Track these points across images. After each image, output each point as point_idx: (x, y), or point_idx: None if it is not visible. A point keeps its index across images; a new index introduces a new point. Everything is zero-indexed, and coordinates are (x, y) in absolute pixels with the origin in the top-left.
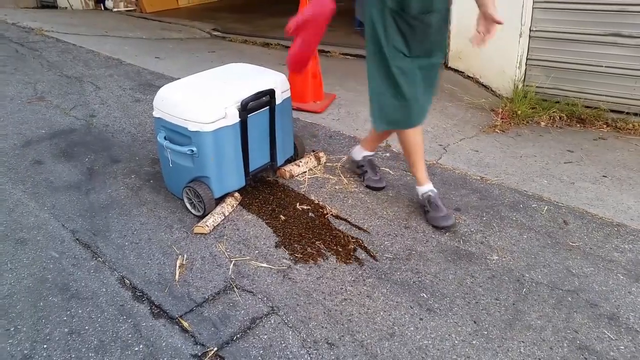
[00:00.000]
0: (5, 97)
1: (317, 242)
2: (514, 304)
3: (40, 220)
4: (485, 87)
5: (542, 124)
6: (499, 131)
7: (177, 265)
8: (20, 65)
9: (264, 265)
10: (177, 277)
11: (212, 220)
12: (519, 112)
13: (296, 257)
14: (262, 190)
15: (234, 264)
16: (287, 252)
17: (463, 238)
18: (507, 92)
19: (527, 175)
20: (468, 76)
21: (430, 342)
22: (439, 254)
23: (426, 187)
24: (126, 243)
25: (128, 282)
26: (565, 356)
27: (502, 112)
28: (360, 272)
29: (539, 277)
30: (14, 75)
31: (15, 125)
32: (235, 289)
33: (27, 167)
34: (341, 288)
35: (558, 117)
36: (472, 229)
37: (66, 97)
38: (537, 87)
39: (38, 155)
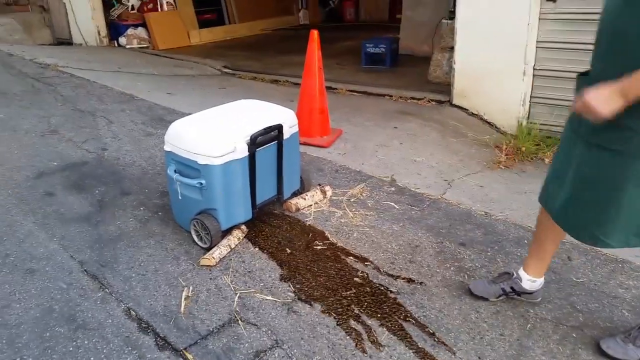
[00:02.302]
0: (21, 130)
1: (322, 276)
2: (518, 340)
3: (50, 251)
4: (490, 124)
5: (547, 160)
6: (503, 167)
7: (183, 297)
8: (35, 99)
9: (269, 298)
10: (182, 309)
11: (218, 252)
12: (523, 148)
13: (301, 290)
14: (269, 222)
15: (239, 297)
16: (292, 285)
17: (468, 273)
18: (512, 129)
19: (532, 211)
20: (472, 113)
21: None
22: (443, 288)
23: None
24: (133, 274)
25: (134, 313)
26: None
27: (506, 148)
28: (365, 306)
29: (544, 312)
30: (29, 110)
31: (29, 158)
32: (240, 321)
33: (38, 198)
34: (346, 322)
35: None
36: (476, 264)
37: (79, 130)
38: (541, 124)
39: (49, 187)
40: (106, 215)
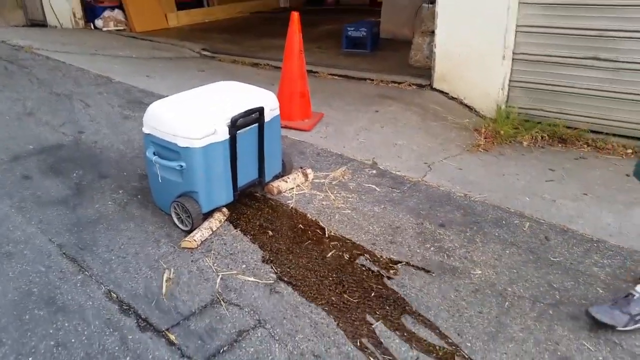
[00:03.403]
0: None
1: (304, 257)
2: (497, 317)
3: (27, 235)
4: (469, 107)
5: (525, 143)
6: (482, 150)
7: (164, 279)
8: (9, 82)
9: (251, 279)
10: (164, 290)
11: (199, 235)
12: (502, 132)
13: (283, 271)
14: (250, 205)
15: (221, 278)
16: (274, 267)
17: (447, 253)
18: (491, 113)
19: (510, 193)
20: (452, 97)
21: (414, 353)
22: (424, 268)
23: None
24: (113, 257)
25: (115, 295)
26: None
27: (485, 132)
28: (346, 286)
29: (521, 291)
30: (2, 92)
31: (4, 141)
32: (222, 302)
33: (14, 181)
34: (327, 302)
35: (540, 137)
36: (456, 244)
37: (55, 113)
38: (519, 108)
39: (26, 170)
40: (84, 198)
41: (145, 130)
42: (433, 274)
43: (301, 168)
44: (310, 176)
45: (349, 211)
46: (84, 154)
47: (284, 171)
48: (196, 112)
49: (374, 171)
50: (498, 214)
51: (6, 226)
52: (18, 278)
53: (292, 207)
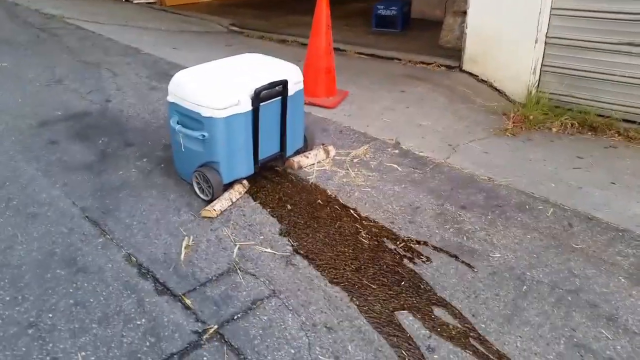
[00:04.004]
0: (25, 79)
1: (321, 232)
2: (513, 300)
3: (52, 197)
4: (499, 91)
5: (554, 130)
6: (509, 135)
7: (183, 246)
8: (40, 49)
9: (268, 250)
10: (182, 257)
11: (219, 205)
12: (531, 117)
13: (300, 245)
14: (270, 179)
15: (238, 248)
16: (291, 240)
17: (467, 235)
18: (520, 97)
19: (536, 178)
20: (482, 80)
21: (427, 332)
22: (441, 248)
23: None
24: (134, 222)
25: (134, 259)
26: (561, 353)
27: (514, 116)
28: (361, 262)
29: (541, 276)
30: (34, 59)
31: (33, 107)
32: (238, 271)
33: (42, 146)
34: (342, 276)
35: (570, 124)
36: (476, 227)
37: (83, 81)
38: (550, 93)
39: (53, 136)
40: (109, 165)
41: (170, 99)
42: (451, 255)
43: (323, 145)
44: (332, 153)
45: (369, 189)
46: (110, 121)
47: (306, 147)
48: (220, 83)
49: (397, 151)
50: (522, 198)
51: (32, 188)
52: (42, 238)
53: (312, 183)
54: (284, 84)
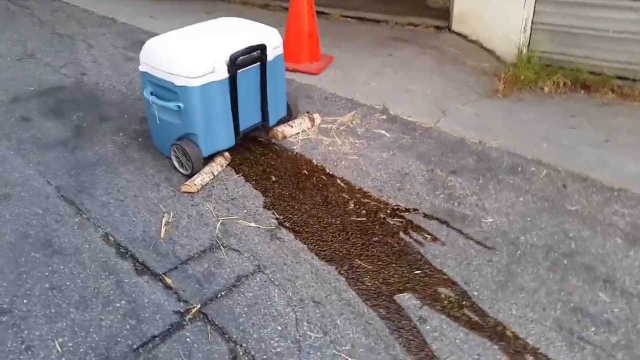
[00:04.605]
0: None
1: (307, 203)
2: (507, 266)
3: (25, 176)
4: (489, 51)
5: (546, 89)
6: (500, 96)
7: (163, 223)
8: (10, 22)
9: (252, 224)
10: (162, 234)
11: (200, 179)
12: (522, 77)
13: (285, 217)
14: (254, 150)
15: (221, 223)
16: (276, 212)
17: (458, 200)
18: (511, 57)
19: (528, 140)
20: (471, 40)
21: (418, 302)
22: (432, 215)
23: None
24: (111, 200)
25: (112, 238)
26: (559, 318)
27: (504, 77)
28: (350, 233)
29: (535, 239)
30: (3, 33)
31: (4, 82)
32: (221, 247)
33: (13, 123)
34: (330, 248)
35: (562, 83)
36: (467, 192)
37: (57, 55)
38: (541, 52)
39: (26, 112)
40: (84, 141)
41: (142, 68)
42: (441, 222)
43: (308, 113)
44: (317, 121)
45: (356, 157)
46: (85, 95)
47: (290, 115)
48: (194, 49)
49: (384, 117)
50: (514, 160)
51: (4, 168)
52: (15, 220)
53: (297, 153)
54: (261, 48)
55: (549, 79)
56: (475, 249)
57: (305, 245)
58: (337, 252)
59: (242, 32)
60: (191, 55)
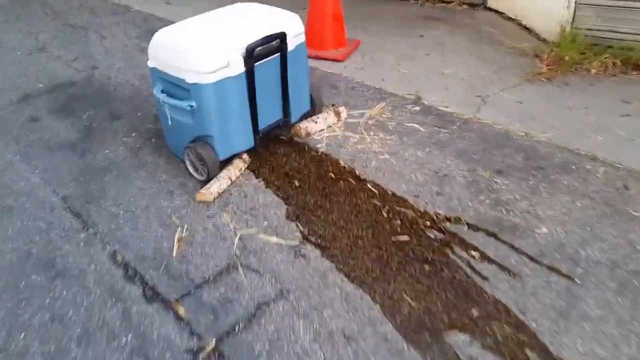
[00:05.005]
0: (5, 48)
1: (335, 212)
2: (567, 288)
3: (31, 185)
4: (528, 29)
5: (593, 71)
6: (544, 79)
7: (176, 238)
8: (23, 13)
9: (274, 239)
10: (175, 252)
11: (216, 186)
12: (567, 58)
13: (310, 230)
14: (274, 151)
15: (239, 238)
16: (300, 224)
17: (506, 207)
18: (553, 36)
19: (579, 131)
20: (509, 17)
21: (467, 338)
22: (477, 225)
23: None
24: (121, 211)
25: (120, 257)
26: (635, 357)
27: (547, 57)
28: (384, 249)
29: (597, 254)
30: (15, 25)
31: (14, 78)
32: (240, 267)
33: (22, 124)
34: (361, 268)
35: (611, 64)
36: (516, 196)
37: (69, 47)
38: (587, 29)
39: (34, 111)
40: (94, 142)
41: (151, 63)
42: (489, 233)
43: (333, 106)
44: (344, 115)
45: (388, 156)
46: (97, 91)
47: (314, 109)
48: (206, 42)
49: (418, 107)
50: (566, 157)
51: (9, 176)
52: (17, 236)
53: (322, 152)
54: (281, 37)
55: (596, 59)
56: (529, 266)
57: (333, 264)
58: (370, 273)
59: (259, 19)
60: (203, 48)
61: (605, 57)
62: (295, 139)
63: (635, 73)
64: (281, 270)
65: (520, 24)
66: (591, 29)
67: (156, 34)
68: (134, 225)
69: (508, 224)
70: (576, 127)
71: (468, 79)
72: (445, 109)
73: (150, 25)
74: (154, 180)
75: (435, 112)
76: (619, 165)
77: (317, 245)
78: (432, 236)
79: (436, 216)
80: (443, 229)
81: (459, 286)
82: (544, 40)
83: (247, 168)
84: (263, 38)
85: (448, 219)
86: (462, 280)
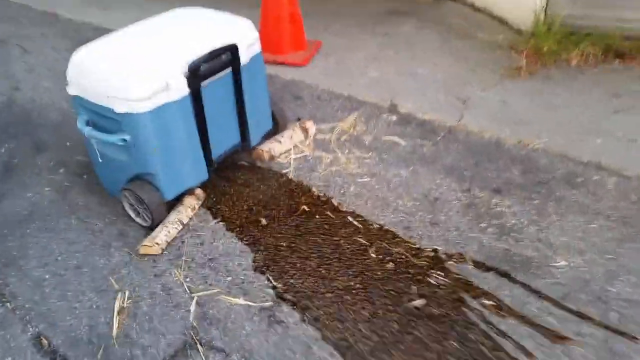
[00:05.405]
0: None
1: (314, 258)
2: (605, 342)
3: None
4: (500, 20)
5: (573, 62)
6: (524, 74)
7: (116, 309)
8: None
9: (240, 301)
10: (115, 330)
11: (164, 233)
12: (545, 48)
13: (285, 284)
14: (234, 180)
15: (196, 302)
16: (272, 276)
17: (513, 234)
18: (527, 25)
19: (574, 134)
20: (478, 8)
21: None
22: (485, 263)
23: None
24: (47, 276)
25: (46, 342)
26: None
27: (525, 50)
28: (377, 304)
29: (628, 290)
30: None
31: None
32: (198, 345)
33: None
34: (353, 334)
35: (591, 53)
36: (522, 220)
37: None
38: (562, 17)
39: None
40: (14, 184)
41: (71, 90)
42: (500, 273)
43: (299, 120)
44: (312, 130)
45: (368, 178)
46: (18, 118)
47: (277, 127)
48: (137, 61)
49: (394, 117)
50: (568, 167)
51: None
52: None
53: (290, 179)
54: (232, 49)
55: (575, 49)
56: (556, 314)
57: (319, 332)
58: (366, 341)
59: (204, 29)
60: (134, 69)
61: (585, 47)
62: (258, 163)
63: (618, 62)
64: (252, 345)
65: (491, 15)
66: (567, 16)
67: (75, 53)
68: (62, 293)
69: (520, 259)
70: (570, 129)
71: (444, 80)
72: (424, 116)
73: (83, 36)
74: (86, 231)
75: (414, 122)
76: (629, 175)
77: (295, 305)
78: (435, 282)
79: (434, 252)
80: (444, 268)
81: (475, 350)
82: (518, 31)
83: (202, 206)
84: (210, 52)
85: (449, 256)
86: (477, 340)
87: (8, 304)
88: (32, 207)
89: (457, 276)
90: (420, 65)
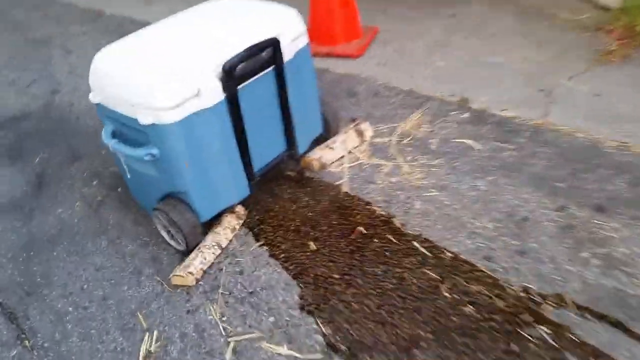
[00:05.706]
0: None
1: (372, 295)
2: None
3: None
4: None
5: None
6: (617, 59)
7: (142, 353)
8: None
9: (284, 350)
10: None
11: (199, 260)
12: (638, 27)
13: (338, 329)
14: (279, 194)
15: (233, 349)
16: (321, 319)
17: (624, 268)
18: (615, 1)
19: None
20: None
21: None
22: (592, 310)
23: None
24: (70, 308)
25: None
26: None
27: (615, 30)
28: (456, 347)
29: None
30: None
31: None
32: None
33: None
34: None
35: None
36: (634, 248)
37: (26, 67)
38: None
39: None
40: (46, 197)
41: (94, 98)
42: (613, 324)
43: (353, 121)
44: (368, 133)
45: (436, 192)
46: (55, 124)
47: (328, 131)
48: (164, 62)
49: (466, 114)
50: None
51: None
52: None
53: (344, 193)
54: (273, 44)
55: None
56: None
57: None
58: None
59: (241, 22)
60: (160, 72)
61: None
62: (307, 174)
63: None
64: None
65: None
66: None
67: (96, 56)
68: (85, 332)
69: (637, 302)
70: None
71: (522, 68)
72: (503, 112)
73: (124, 31)
74: (116, 254)
75: (490, 120)
76: None
77: (350, 359)
78: (529, 335)
79: (526, 293)
80: (541, 317)
81: None
82: (605, 8)
83: (243, 225)
84: (246, 50)
85: (544, 297)
86: None
87: (26, 342)
88: (62, 224)
89: (557, 327)
90: (494, 52)
